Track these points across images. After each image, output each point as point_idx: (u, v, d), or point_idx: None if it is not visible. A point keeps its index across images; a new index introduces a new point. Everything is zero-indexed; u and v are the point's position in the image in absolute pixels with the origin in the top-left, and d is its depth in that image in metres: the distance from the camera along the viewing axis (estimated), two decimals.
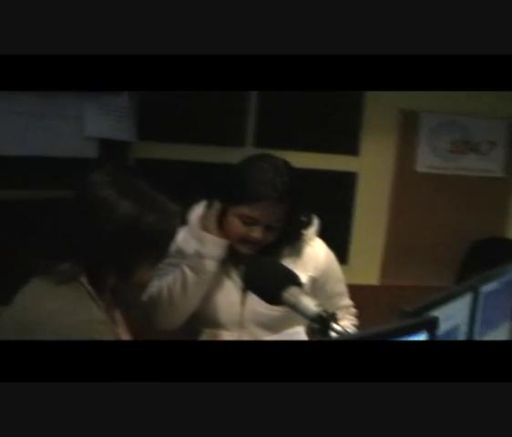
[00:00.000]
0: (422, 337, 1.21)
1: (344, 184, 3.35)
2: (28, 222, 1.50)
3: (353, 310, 2.02)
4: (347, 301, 2.00)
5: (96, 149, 2.44)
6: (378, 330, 1.14)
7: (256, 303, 1.77)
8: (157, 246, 1.48)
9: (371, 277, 3.49)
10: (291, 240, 1.86)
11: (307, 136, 3.22)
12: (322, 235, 1.96)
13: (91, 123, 2.41)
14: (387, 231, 3.48)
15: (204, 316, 1.86)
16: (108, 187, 1.42)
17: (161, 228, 1.44)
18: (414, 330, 1.20)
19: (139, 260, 1.47)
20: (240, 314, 1.84)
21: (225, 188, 1.82)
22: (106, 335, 1.35)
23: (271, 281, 1.47)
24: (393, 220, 3.47)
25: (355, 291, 2.05)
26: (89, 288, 1.42)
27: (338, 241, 2.78)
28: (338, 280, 1.97)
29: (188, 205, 1.93)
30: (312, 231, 1.91)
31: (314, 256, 1.90)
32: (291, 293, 1.42)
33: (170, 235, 1.50)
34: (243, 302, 1.83)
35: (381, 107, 3.28)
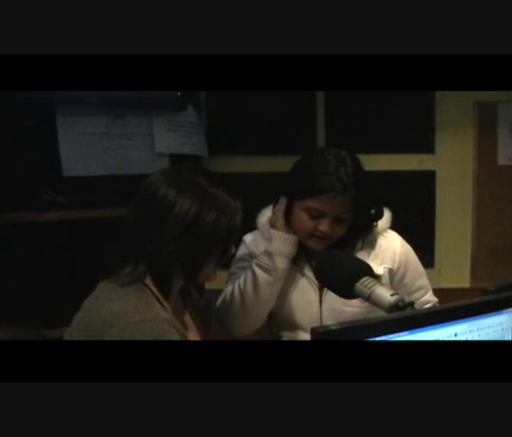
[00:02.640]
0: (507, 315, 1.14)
1: (423, 183, 3.23)
2: (102, 239, 1.50)
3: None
4: (431, 297, 1.92)
5: (167, 165, 2.45)
6: (463, 304, 1.11)
7: (333, 300, 1.74)
8: (220, 243, 1.44)
9: (459, 279, 3.33)
10: (363, 233, 1.80)
11: (378, 138, 3.12)
12: (406, 238, 1.89)
13: (161, 139, 2.43)
14: (473, 230, 3.32)
15: (282, 319, 1.84)
16: (166, 185, 1.41)
17: (223, 225, 1.41)
18: (500, 306, 1.14)
19: (204, 259, 1.44)
20: (318, 313, 1.79)
21: (290, 184, 1.79)
22: (171, 335, 1.33)
23: (342, 273, 1.41)
24: (478, 218, 3.30)
25: (444, 295, 1.93)
26: (153, 289, 1.41)
27: (422, 244, 2.70)
28: (418, 273, 1.89)
29: (258, 210, 1.93)
30: (383, 223, 1.84)
31: (390, 247, 1.84)
32: (364, 284, 1.35)
33: (233, 232, 1.46)
34: (320, 301, 1.79)
35: (454, 102, 3.14)
